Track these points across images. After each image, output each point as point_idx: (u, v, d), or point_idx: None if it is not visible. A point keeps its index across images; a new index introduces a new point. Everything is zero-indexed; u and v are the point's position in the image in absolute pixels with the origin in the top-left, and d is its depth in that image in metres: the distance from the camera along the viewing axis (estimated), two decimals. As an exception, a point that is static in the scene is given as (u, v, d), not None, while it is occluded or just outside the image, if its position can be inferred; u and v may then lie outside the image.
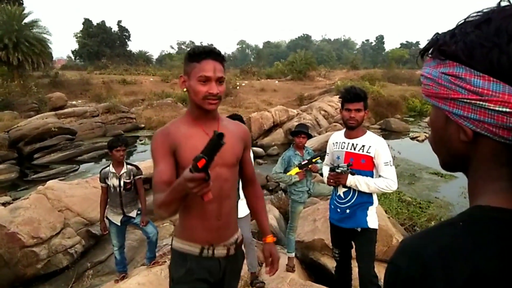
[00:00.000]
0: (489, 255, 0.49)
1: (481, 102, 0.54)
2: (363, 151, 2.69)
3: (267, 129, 15.84)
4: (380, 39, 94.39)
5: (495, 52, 0.52)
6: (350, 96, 2.68)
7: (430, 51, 0.63)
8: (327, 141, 3.10)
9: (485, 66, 0.53)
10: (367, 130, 2.81)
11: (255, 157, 10.40)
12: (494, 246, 0.50)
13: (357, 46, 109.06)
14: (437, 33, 0.62)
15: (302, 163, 3.89)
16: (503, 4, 0.55)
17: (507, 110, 0.52)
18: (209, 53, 1.54)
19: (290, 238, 4.15)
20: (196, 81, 1.53)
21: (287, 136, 14.87)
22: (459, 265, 0.49)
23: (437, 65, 0.60)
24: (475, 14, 0.57)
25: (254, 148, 12.30)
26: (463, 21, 0.59)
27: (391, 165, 2.65)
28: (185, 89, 1.61)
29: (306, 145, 4.18)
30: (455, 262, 0.50)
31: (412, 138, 16.43)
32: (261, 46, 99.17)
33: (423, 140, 15.81)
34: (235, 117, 3.89)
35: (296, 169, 3.89)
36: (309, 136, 4.11)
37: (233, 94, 25.18)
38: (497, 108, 0.53)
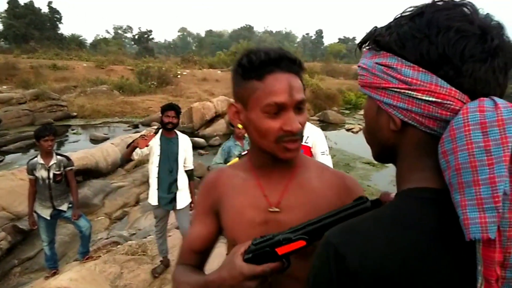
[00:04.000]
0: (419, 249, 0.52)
1: (409, 92, 0.56)
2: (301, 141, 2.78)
3: (209, 120, 15.66)
4: (319, 33, 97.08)
5: (425, 43, 0.54)
6: None
7: (368, 43, 0.65)
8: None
9: (415, 56, 0.55)
10: (304, 121, 2.90)
11: (196, 148, 10.30)
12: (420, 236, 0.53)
13: (298, 40, 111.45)
14: (375, 26, 0.64)
15: (242, 153, 3.91)
16: None
17: (433, 99, 0.54)
18: (278, 61, 0.89)
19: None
20: (261, 113, 0.89)
21: (229, 127, 14.86)
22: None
23: (372, 56, 0.62)
24: (411, 8, 0.60)
25: (195, 139, 12.16)
26: (399, 15, 0.61)
27: (327, 154, 2.77)
28: (239, 125, 1.00)
29: (246, 135, 4.21)
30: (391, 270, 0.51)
31: (348, 130, 17.18)
32: (203, 34, 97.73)
33: (357, 132, 16.66)
34: (171, 106, 3.81)
35: (237, 160, 3.90)
36: (249, 127, 4.13)
37: (174, 83, 24.55)
38: (424, 98, 0.54)
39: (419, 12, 0.57)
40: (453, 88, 0.53)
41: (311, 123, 3.00)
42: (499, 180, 0.47)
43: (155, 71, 24.28)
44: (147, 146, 3.56)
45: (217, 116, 16.08)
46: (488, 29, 0.53)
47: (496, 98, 0.51)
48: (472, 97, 0.53)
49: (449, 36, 0.53)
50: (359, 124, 17.89)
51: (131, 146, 3.56)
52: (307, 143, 2.77)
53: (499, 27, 0.55)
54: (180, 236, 4.45)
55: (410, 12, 0.59)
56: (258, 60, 0.88)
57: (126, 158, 3.73)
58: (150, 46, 62.25)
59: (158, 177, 3.80)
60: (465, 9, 0.55)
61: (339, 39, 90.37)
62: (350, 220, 0.61)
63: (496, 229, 0.47)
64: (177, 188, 3.90)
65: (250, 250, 0.80)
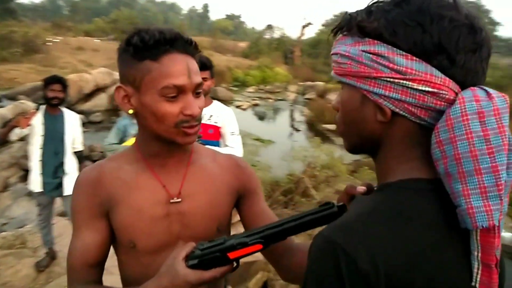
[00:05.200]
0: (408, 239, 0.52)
1: (404, 81, 0.54)
2: (210, 121, 2.70)
3: (88, 94, 14.26)
4: (205, 8, 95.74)
5: (418, 31, 0.53)
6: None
7: (345, 29, 0.61)
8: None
9: (408, 45, 0.54)
10: (214, 100, 2.81)
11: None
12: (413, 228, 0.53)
13: (184, 12, 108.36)
14: (347, 12, 0.61)
15: (141, 132, 3.68)
16: None
17: (429, 89, 0.53)
18: (173, 41, 0.83)
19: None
20: (158, 96, 0.83)
21: (112, 101, 13.77)
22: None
23: (355, 43, 0.58)
24: None
25: (74, 114, 11.03)
26: (375, 0, 0.59)
27: (237, 135, 2.75)
28: (130, 111, 0.89)
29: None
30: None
31: (237, 107, 17.53)
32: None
33: (246, 109, 17.15)
34: (57, 79, 3.37)
35: (134, 140, 3.64)
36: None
37: (43, 51, 21.67)
38: (419, 88, 0.53)
39: None
40: (447, 78, 0.54)
41: (220, 103, 2.92)
42: (501, 169, 0.49)
43: (20, 36, 21.17)
44: (29, 125, 3.08)
45: (98, 89, 14.75)
46: (473, 19, 0.55)
47: (485, 88, 0.53)
48: (462, 87, 0.54)
49: (443, 25, 0.53)
50: (247, 101, 18.39)
51: (9, 126, 3.05)
52: (216, 123, 2.70)
53: (478, 17, 0.56)
54: (66, 223, 4.03)
55: None
56: (152, 40, 0.81)
57: (2, 139, 3.18)
58: (13, 7, 53.52)
59: (42, 160, 3.34)
60: None
61: (227, 15, 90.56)
62: (342, 217, 0.58)
63: (499, 216, 0.49)
64: (64, 172, 3.48)
65: (196, 255, 0.75)
